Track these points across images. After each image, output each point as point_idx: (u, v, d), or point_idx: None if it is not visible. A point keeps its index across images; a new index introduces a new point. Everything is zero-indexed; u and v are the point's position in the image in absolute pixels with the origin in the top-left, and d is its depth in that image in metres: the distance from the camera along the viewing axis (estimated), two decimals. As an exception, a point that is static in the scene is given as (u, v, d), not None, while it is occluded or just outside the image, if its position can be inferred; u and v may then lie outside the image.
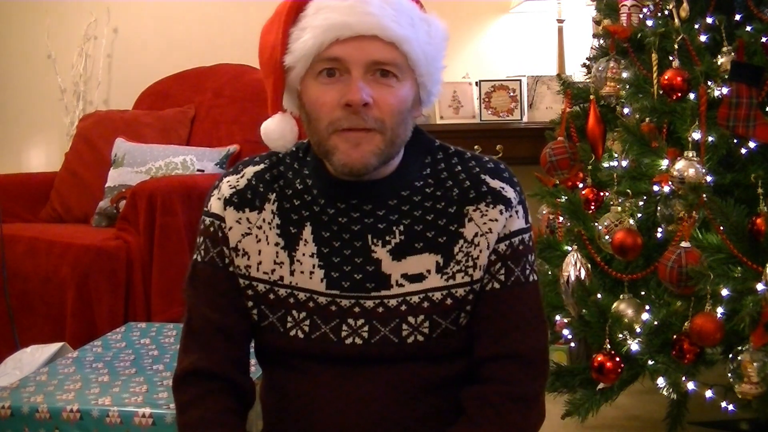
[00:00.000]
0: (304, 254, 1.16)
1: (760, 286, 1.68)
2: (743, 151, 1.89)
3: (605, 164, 2.20)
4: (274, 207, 1.18)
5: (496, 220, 1.15)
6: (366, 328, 1.14)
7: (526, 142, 3.14)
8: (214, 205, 1.20)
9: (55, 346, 1.91)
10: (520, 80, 3.39)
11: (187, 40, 3.72)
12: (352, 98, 1.07)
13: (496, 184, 1.17)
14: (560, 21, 3.42)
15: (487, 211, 1.15)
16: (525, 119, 3.37)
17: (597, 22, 2.49)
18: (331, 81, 1.09)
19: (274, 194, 1.19)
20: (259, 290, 1.17)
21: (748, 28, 1.89)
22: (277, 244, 1.16)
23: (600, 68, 2.21)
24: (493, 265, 1.16)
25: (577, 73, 2.95)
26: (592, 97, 2.18)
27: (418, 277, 1.14)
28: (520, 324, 1.17)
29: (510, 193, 1.17)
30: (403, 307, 1.14)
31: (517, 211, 1.17)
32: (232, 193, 1.19)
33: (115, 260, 2.53)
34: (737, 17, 2.01)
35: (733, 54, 1.89)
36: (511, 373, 1.16)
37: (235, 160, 3.07)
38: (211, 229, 1.19)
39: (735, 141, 1.90)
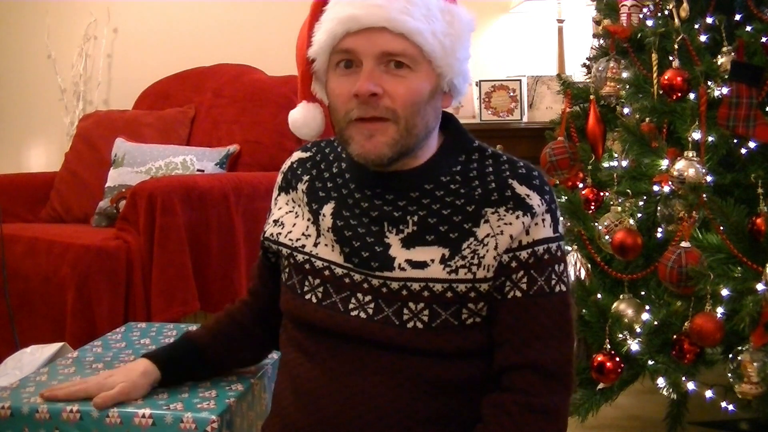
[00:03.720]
0: (324, 228, 1.22)
1: (760, 286, 1.68)
2: (743, 151, 1.89)
3: (605, 164, 2.20)
4: (304, 187, 1.28)
5: (512, 224, 1.15)
6: (372, 305, 1.17)
7: (526, 142, 3.14)
8: (274, 189, 1.36)
9: (55, 346, 1.90)
10: (520, 80, 3.39)
11: (187, 40, 3.73)
12: (359, 89, 1.12)
13: (522, 190, 1.17)
14: (560, 21, 3.42)
15: (505, 215, 1.15)
16: (525, 119, 3.37)
17: (597, 22, 2.49)
18: (347, 73, 1.15)
19: (308, 176, 1.29)
20: (284, 253, 1.28)
21: (748, 28, 1.89)
22: (308, 219, 1.26)
23: (600, 68, 2.21)
24: (515, 272, 1.15)
25: (577, 73, 2.96)
26: (592, 97, 2.18)
27: (421, 264, 1.15)
28: (543, 335, 1.15)
29: (535, 200, 1.17)
30: (404, 292, 1.16)
31: (543, 220, 1.17)
32: (281, 178, 1.35)
33: (115, 260, 2.53)
34: (737, 17, 2.01)
35: (733, 54, 1.89)
36: (531, 383, 1.14)
37: (235, 160, 3.08)
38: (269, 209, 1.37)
39: (735, 141, 1.90)
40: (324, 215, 1.23)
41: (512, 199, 1.16)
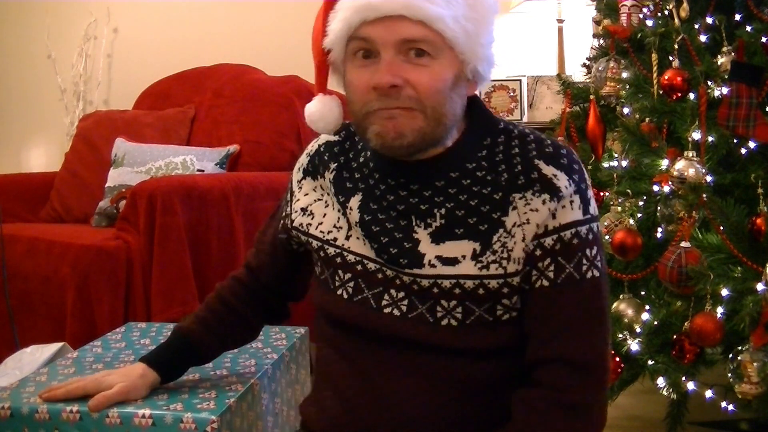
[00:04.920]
0: (353, 222, 1.17)
1: (760, 286, 1.68)
2: (743, 151, 1.89)
3: (605, 164, 2.20)
4: (331, 176, 1.23)
5: (537, 210, 1.08)
6: (405, 302, 1.13)
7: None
8: (294, 172, 1.31)
9: (55, 346, 1.90)
10: (520, 80, 3.39)
11: (187, 40, 3.72)
12: (378, 81, 1.06)
13: (549, 170, 1.10)
14: (560, 21, 3.42)
15: (531, 199, 1.09)
16: (525, 119, 3.37)
17: (597, 22, 2.49)
18: (365, 63, 1.09)
19: (336, 164, 1.23)
20: (314, 246, 1.23)
21: (748, 28, 1.89)
22: (339, 210, 1.21)
23: (600, 68, 2.21)
24: (540, 260, 1.09)
25: (577, 73, 2.95)
26: (592, 97, 2.18)
27: (452, 261, 1.10)
28: (573, 325, 1.09)
29: (562, 181, 1.09)
30: (435, 290, 1.11)
31: (571, 201, 1.09)
32: (308, 161, 1.28)
33: (115, 260, 2.52)
34: (737, 17, 2.01)
35: (733, 54, 1.89)
36: (560, 378, 1.09)
37: (235, 160, 3.08)
38: (286, 193, 1.33)
39: (735, 141, 1.90)
40: (351, 208, 1.18)
41: (538, 181, 1.09)
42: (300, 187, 1.28)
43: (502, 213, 1.10)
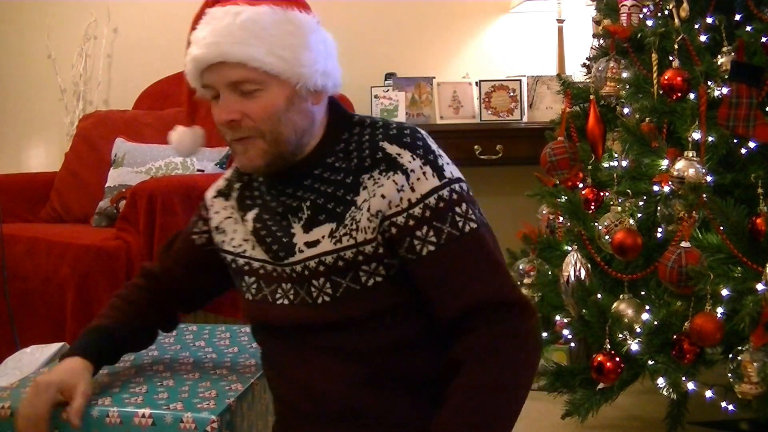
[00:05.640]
0: (248, 232, 1.33)
1: (760, 286, 1.68)
2: (743, 151, 1.89)
3: (605, 164, 2.20)
4: (236, 195, 1.38)
5: (383, 185, 1.20)
6: (292, 292, 1.28)
7: (526, 142, 3.13)
8: (208, 192, 1.44)
9: (55, 346, 1.91)
10: (520, 80, 3.39)
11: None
12: (219, 119, 1.25)
13: (392, 149, 1.22)
14: (560, 21, 3.42)
15: (379, 178, 1.21)
16: (525, 119, 3.37)
17: (597, 22, 2.49)
18: (216, 102, 1.26)
19: (240, 183, 1.39)
20: (228, 260, 1.38)
21: (748, 28, 1.89)
22: (244, 225, 1.34)
23: (600, 68, 2.21)
24: (418, 229, 1.19)
25: (577, 73, 2.95)
26: (592, 97, 2.18)
27: (314, 243, 1.24)
28: (474, 274, 1.19)
29: (406, 157, 1.21)
30: (306, 272, 1.25)
31: (424, 173, 1.20)
32: (225, 183, 1.43)
33: (115, 260, 2.53)
34: (737, 17, 2.01)
35: (733, 54, 1.89)
36: (487, 318, 1.17)
37: (235, 160, 3.08)
38: (201, 210, 1.45)
39: (735, 141, 1.90)
40: (247, 221, 1.34)
41: (383, 160, 1.21)
42: (212, 205, 1.42)
43: (354, 194, 1.23)
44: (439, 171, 1.22)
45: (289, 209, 1.28)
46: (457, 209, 1.20)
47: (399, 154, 1.21)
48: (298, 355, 1.27)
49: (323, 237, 1.24)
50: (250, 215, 1.34)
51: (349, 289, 1.23)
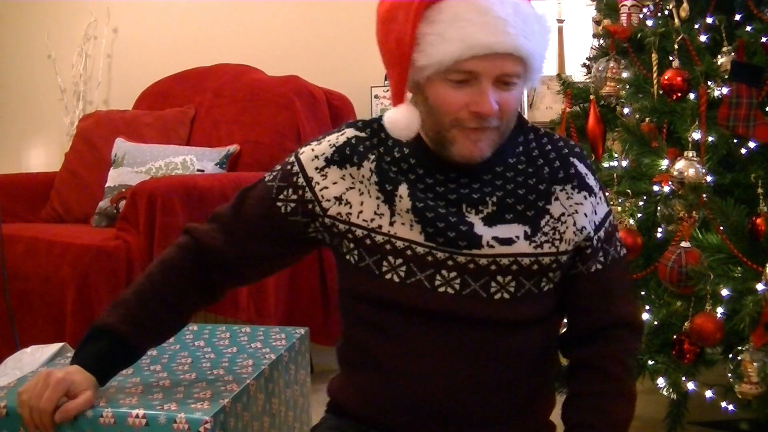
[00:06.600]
0: (402, 209, 1.25)
1: (760, 286, 1.67)
2: (743, 151, 1.89)
3: (605, 164, 2.20)
4: (372, 165, 1.28)
5: (581, 204, 1.26)
6: (458, 281, 1.23)
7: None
8: (306, 159, 1.30)
9: (55, 347, 1.90)
10: (520, 80, 3.38)
11: (187, 40, 3.73)
12: (484, 110, 1.17)
13: (582, 168, 1.29)
14: (560, 21, 3.42)
15: (572, 193, 1.26)
16: (525, 119, 3.36)
17: (597, 22, 2.49)
18: (460, 86, 1.18)
19: (374, 155, 1.29)
20: (357, 235, 1.27)
21: (748, 28, 1.89)
22: (378, 198, 1.26)
23: (600, 68, 2.21)
24: (596, 248, 1.28)
25: (577, 73, 2.95)
26: (592, 97, 2.18)
27: (508, 241, 1.23)
28: (622, 293, 1.32)
29: (591, 180, 1.29)
30: (493, 267, 1.23)
31: (601, 198, 1.30)
32: (333, 151, 1.29)
33: (115, 260, 2.52)
34: (737, 17, 2.01)
35: (733, 54, 1.89)
36: (624, 336, 1.31)
37: (235, 160, 3.08)
38: (293, 177, 1.31)
39: (735, 141, 1.90)
40: (401, 196, 1.25)
41: (576, 177, 1.27)
42: (324, 176, 1.29)
43: (546, 202, 1.26)
44: (605, 197, 1.32)
45: (465, 198, 1.24)
46: (617, 234, 1.33)
47: (586, 174, 1.28)
48: (444, 345, 1.23)
49: (517, 237, 1.23)
50: (402, 190, 1.25)
51: (530, 291, 1.25)
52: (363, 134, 1.31)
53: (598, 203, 1.29)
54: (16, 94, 3.88)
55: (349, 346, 1.33)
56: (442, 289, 1.23)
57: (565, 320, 1.37)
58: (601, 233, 1.29)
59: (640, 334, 1.37)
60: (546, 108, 3.33)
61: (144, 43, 3.77)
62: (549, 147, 1.29)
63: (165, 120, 3.29)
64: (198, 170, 2.97)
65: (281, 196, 1.31)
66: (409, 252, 1.24)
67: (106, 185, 3.05)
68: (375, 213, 1.26)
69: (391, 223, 1.25)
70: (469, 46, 1.14)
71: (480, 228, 1.23)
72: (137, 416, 1.23)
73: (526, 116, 3.31)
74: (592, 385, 1.30)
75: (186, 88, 3.44)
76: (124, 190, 2.90)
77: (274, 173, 1.34)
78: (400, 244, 1.25)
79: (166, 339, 1.40)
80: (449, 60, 1.15)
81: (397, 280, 1.24)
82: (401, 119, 1.23)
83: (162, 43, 3.74)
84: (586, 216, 1.26)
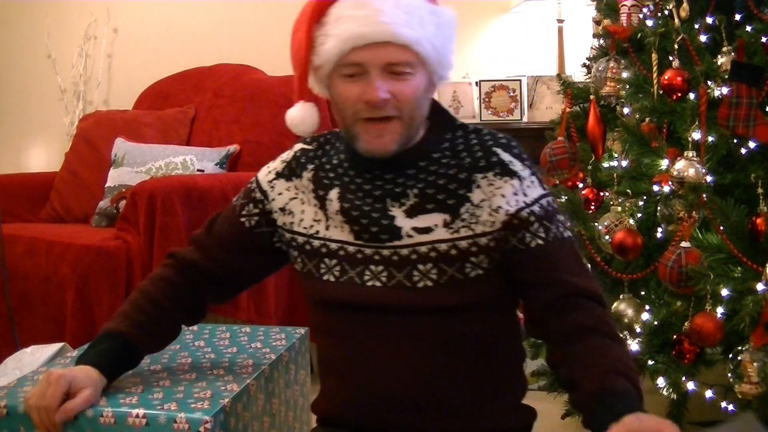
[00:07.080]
0: (332, 212, 1.33)
1: (760, 286, 1.67)
2: (743, 151, 1.89)
3: (605, 164, 2.20)
4: (310, 175, 1.38)
5: (501, 187, 1.27)
6: (384, 274, 1.29)
7: (526, 142, 3.08)
8: (262, 175, 1.43)
9: (55, 346, 1.90)
10: (520, 80, 3.38)
11: (187, 40, 3.72)
12: (371, 98, 1.24)
13: (505, 156, 1.30)
14: (560, 21, 3.42)
15: (494, 180, 1.28)
16: (525, 119, 3.37)
17: (597, 22, 2.49)
18: (353, 79, 1.26)
19: (313, 165, 1.38)
20: (299, 242, 1.37)
21: (748, 28, 1.89)
22: (315, 205, 1.35)
23: (600, 68, 2.21)
24: (531, 224, 1.27)
25: (577, 73, 2.95)
26: (592, 97, 2.18)
27: (426, 230, 1.28)
28: (575, 270, 1.29)
29: (518, 166, 1.30)
30: (414, 256, 1.27)
31: (532, 182, 1.30)
32: (284, 166, 1.41)
33: (115, 260, 2.52)
34: (737, 17, 2.01)
35: (733, 54, 1.89)
36: (589, 304, 1.27)
37: (235, 160, 3.08)
38: (252, 193, 1.42)
39: (735, 141, 1.90)
40: (331, 200, 1.33)
41: (498, 165, 1.29)
42: (273, 188, 1.40)
43: (467, 190, 1.29)
44: (540, 182, 1.32)
45: (388, 193, 1.30)
46: (559, 217, 1.33)
47: (511, 162, 1.30)
48: (382, 337, 1.28)
49: (436, 225, 1.27)
50: (333, 194, 1.34)
51: (454, 278, 1.27)
52: (309, 147, 1.42)
53: (527, 186, 1.29)
54: (16, 94, 3.88)
55: (319, 357, 1.40)
56: (370, 283, 1.29)
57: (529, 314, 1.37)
58: (535, 208, 1.28)
59: (606, 308, 1.31)
60: (546, 108, 3.33)
61: (144, 43, 3.77)
62: (475, 141, 1.33)
63: (165, 120, 3.29)
64: (198, 170, 2.97)
65: (244, 212, 1.42)
66: (341, 252, 1.32)
67: (106, 185, 3.05)
68: (314, 220, 1.35)
69: (327, 227, 1.34)
70: (347, 39, 1.23)
71: (401, 220, 1.28)
72: (137, 416, 1.23)
73: (526, 116, 3.34)
74: (582, 351, 1.25)
75: (186, 88, 3.44)
76: (124, 190, 2.90)
77: (240, 194, 1.45)
78: (333, 246, 1.33)
79: (162, 345, 1.46)
80: (335, 55, 1.25)
81: (332, 279, 1.32)
82: (296, 116, 1.38)
83: (162, 43, 3.74)
84: (504, 197, 1.27)
